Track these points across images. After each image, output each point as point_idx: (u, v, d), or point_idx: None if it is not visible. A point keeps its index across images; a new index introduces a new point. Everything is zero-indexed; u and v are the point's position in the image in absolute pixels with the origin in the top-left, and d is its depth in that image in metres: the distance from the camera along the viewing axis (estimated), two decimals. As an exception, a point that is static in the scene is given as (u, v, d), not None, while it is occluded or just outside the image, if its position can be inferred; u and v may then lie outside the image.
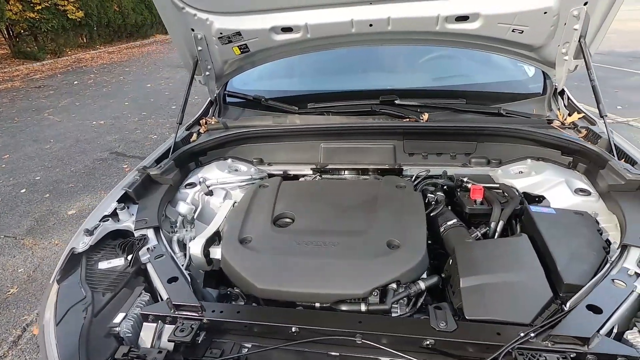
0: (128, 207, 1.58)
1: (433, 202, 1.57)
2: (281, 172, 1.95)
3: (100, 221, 1.46)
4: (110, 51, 16.82)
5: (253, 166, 1.95)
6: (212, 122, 2.20)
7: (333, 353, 1.05)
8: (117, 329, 1.10)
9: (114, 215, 1.51)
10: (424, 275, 1.28)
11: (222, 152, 2.00)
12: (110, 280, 1.27)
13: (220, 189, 1.79)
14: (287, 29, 1.86)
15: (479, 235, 1.39)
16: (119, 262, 1.34)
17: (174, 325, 1.11)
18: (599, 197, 1.48)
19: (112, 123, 6.94)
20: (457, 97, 2.03)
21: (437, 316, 1.06)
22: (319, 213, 1.50)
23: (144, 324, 1.15)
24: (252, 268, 1.27)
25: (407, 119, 1.91)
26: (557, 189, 1.53)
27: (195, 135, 2.12)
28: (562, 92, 2.05)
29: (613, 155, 1.53)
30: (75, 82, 10.61)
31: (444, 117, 1.93)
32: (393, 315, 1.19)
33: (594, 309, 1.02)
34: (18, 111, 7.83)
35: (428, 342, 1.01)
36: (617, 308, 1.03)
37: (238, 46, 2.04)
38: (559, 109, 2.02)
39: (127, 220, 1.51)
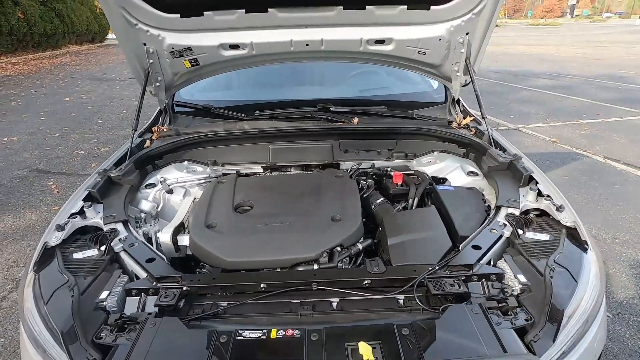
0: (93, 206, 1.69)
1: (365, 187, 1.94)
2: (234, 172, 2.19)
3: (69, 218, 1.57)
4: (14, 62, 15.25)
5: (208, 167, 2.16)
6: (164, 130, 2.36)
7: (294, 300, 1.32)
8: (104, 303, 1.26)
9: (81, 213, 1.62)
10: (361, 240, 1.63)
11: (177, 155, 2.17)
12: (87, 268, 1.40)
13: (179, 188, 1.97)
14: (234, 46, 2.13)
15: (400, 208, 1.79)
16: (92, 252, 1.47)
17: (156, 296, 1.29)
18: (483, 177, 1.98)
19: (29, 139, 6.41)
20: (379, 105, 2.48)
21: (372, 264, 1.39)
22: (274, 200, 1.77)
23: (127, 298, 1.32)
24: (221, 246, 1.50)
25: (341, 123, 2.28)
26: (455, 173, 2.01)
27: (148, 141, 2.26)
28: (458, 101, 2.60)
29: (491, 145, 2.05)
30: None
31: (370, 121, 2.35)
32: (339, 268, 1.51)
33: (476, 248, 1.44)
34: None
35: (366, 282, 1.34)
36: (491, 246, 1.46)
37: (189, 60, 2.24)
38: (457, 114, 2.56)
39: (94, 217, 1.64)
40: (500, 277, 1.34)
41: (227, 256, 1.46)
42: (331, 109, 2.37)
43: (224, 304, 1.32)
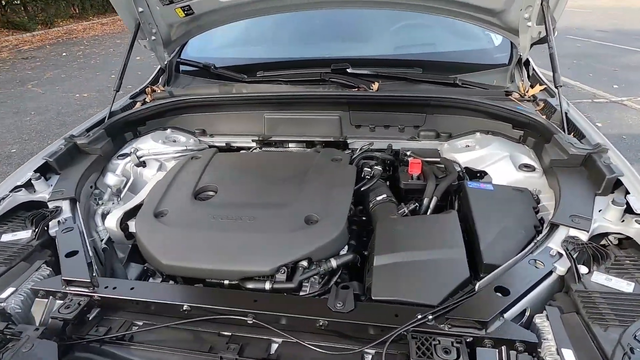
0: (49, 178, 1.50)
1: (369, 177, 1.47)
2: (224, 145, 1.85)
3: (10, 191, 1.38)
4: (103, 22, 16.40)
5: (193, 137, 1.85)
6: (158, 91, 2.09)
7: (225, 333, 0.98)
8: (2, 304, 1.04)
9: (28, 185, 1.43)
10: (344, 252, 1.21)
11: (162, 121, 1.89)
12: (9, 253, 1.20)
13: (154, 160, 1.70)
14: (230, -11, 1.73)
15: (406, 211, 1.30)
16: (25, 234, 1.27)
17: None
18: (543, 174, 1.38)
19: (96, 96, 6.79)
20: (414, 66, 1.90)
21: (338, 296, 0.98)
22: (245, 186, 1.41)
23: (36, 299, 1.09)
24: (160, 243, 1.20)
25: (356, 89, 1.78)
26: (500, 164, 1.44)
27: (139, 104, 2.01)
28: (527, 63, 1.91)
29: (562, 128, 1.42)
30: (64, 54, 10.36)
31: (397, 88, 1.81)
32: (301, 294, 1.12)
33: (502, 291, 0.94)
34: (1, 83, 7.67)
35: (321, 323, 0.94)
36: (530, 289, 0.95)
37: (181, 7, 1.90)
38: (522, 81, 1.89)
39: (43, 191, 1.43)
40: (532, 347, 0.84)
41: (164, 257, 1.16)
42: (348, 70, 1.87)
43: (140, 322, 1.03)
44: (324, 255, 1.14)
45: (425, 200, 1.35)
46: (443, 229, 1.19)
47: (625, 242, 1.08)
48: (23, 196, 1.40)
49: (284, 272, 1.10)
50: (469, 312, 0.90)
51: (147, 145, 1.72)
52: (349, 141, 1.73)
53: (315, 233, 1.17)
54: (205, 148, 1.80)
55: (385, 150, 1.65)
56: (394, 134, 1.73)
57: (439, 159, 1.51)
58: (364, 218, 1.38)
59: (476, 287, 0.99)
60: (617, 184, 1.17)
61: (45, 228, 1.29)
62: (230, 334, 0.98)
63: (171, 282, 1.26)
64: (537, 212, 1.26)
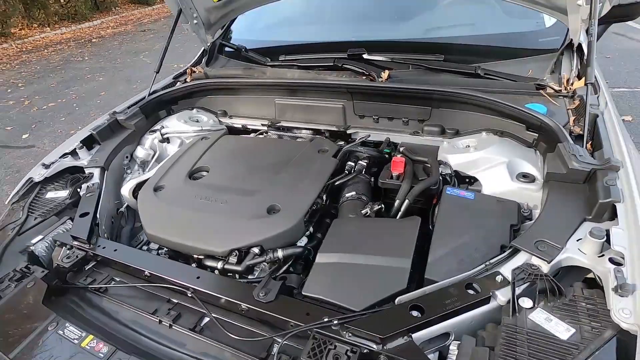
0: (92, 147, 1.80)
1: (350, 171, 1.45)
2: (240, 126, 1.97)
3: (60, 157, 1.71)
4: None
5: (214, 118, 2.01)
6: (197, 72, 2.28)
7: (174, 300, 1.13)
8: (31, 247, 1.35)
9: (74, 153, 1.75)
10: (301, 244, 1.25)
11: (191, 101, 2.09)
12: (49, 208, 1.52)
13: (176, 138, 1.91)
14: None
15: (369, 212, 1.26)
16: (63, 193, 1.59)
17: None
18: (542, 187, 1.20)
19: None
20: (437, 51, 1.74)
21: (266, 285, 1.05)
22: (231, 170, 1.52)
23: (56, 247, 1.38)
24: (149, 214, 1.39)
25: (363, 77, 1.72)
26: (494, 171, 1.28)
27: (179, 84, 2.24)
28: (579, 49, 1.60)
29: (584, 135, 1.20)
30: (180, 23, 11.48)
31: (411, 76, 1.69)
32: (250, 277, 1.21)
33: (418, 309, 0.90)
34: (122, 53, 8.96)
35: (242, 308, 1.02)
36: (452, 314, 0.89)
37: (213, -9, 2.02)
38: (572, 70, 1.60)
39: (84, 159, 1.74)
40: None
41: (148, 227, 1.35)
42: (364, 55, 1.80)
43: (118, 279, 1.24)
44: (274, 245, 1.21)
45: (396, 203, 1.29)
46: (398, 235, 1.15)
47: (590, 283, 0.91)
48: (68, 162, 1.72)
49: (235, 256, 1.20)
50: (374, 324, 0.89)
51: (172, 123, 1.93)
52: (350, 131, 1.70)
53: (270, 222, 1.23)
54: (223, 129, 1.95)
55: (374, 144, 1.58)
56: (397, 126, 1.65)
57: (424, 159, 1.40)
58: (333, 212, 1.39)
59: (396, 301, 0.95)
60: (613, 213, 0.98)
61: (78, 190, 1.59)
62: (176, 302, 1.13)
63: (161, 252, 1.44)
64: (517, 230, 1.12)
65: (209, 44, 2.34)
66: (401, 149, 1.47)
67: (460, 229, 1.11)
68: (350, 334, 0.89)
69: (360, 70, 1.75)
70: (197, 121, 1.98)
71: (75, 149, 1.74)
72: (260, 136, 1.87)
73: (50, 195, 1.59)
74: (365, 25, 2.08)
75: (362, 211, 1.27)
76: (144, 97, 2.03)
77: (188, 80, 2.27)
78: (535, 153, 1.33)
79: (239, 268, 1.18)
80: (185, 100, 2.08)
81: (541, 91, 1.49)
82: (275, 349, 0.93)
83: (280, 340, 0.95)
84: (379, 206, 1.27)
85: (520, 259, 0.96)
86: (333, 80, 1.68)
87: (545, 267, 0.93)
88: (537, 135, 1.34)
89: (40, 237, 1.39)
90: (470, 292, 0.93)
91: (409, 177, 1.31)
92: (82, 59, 8.68)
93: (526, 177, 1.24)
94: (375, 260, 1.08)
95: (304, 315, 0.96)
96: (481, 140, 1.42)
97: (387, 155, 1.54)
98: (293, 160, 1.48)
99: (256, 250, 1.19)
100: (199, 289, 1.08)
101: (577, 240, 0.96)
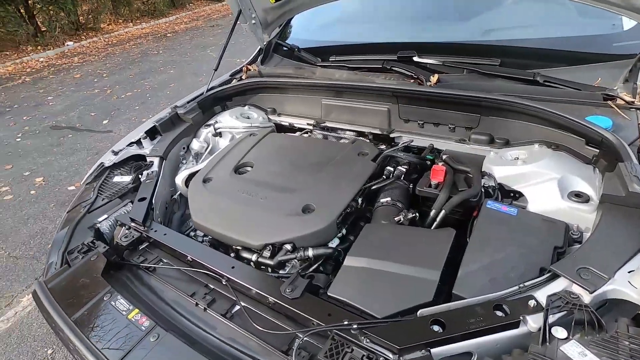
0: (155, 138, 1.98)
1: (388, 176, 1.44)
2: (287, 124, 2.04)
3: (126, 146, 1.90)
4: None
5: (265, 115, 2.10)
6: (252, 70, 2.39)
7: (211, 286, 1.22)
8: (98, 225, 1.53)
9: (139, 142, 1.94)
10: (333, 244, 1.28)
11: (244, 98, 2.19)
12: (114, 191, 1.71)
13: (228, 133, 2.03)
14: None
15: (402, 219, 1.25)
16: (127, 178, 1.77)
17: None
18: (596, 209, 1.10)
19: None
20: (493, 55, 1.65)
21: (293, 282, 1.09)
22: (274, 167, 1.58)
23: (117, 226, 1.55)
24: (197, 204, 1.50)
25: (412, 80, 1.68)
26: (544, 187, 1.20)
27: (235, 81, 2.36)
28: (662, 56, 1.42)
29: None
30: (239, 23, 11.98)
31: (463, 81, 1.62)
32: (281, 272, 1.27)
33: (440, 324, 0.89)
34: (192, 47, 9.56)
35: (269, 301, 1.08)
36: (476, 333, 0.87)
37: (271, -5, 2.09)
38: (649, 81, 1.43)
39: (147, 148, 1.93)
40: None
41: (194, 215, 1.46)
42: (414, 58, 1.76)
43: (165, 261, 1.36)
44: (306, 243, 1.25)
45: (432, 212, 1.26)
46: (430, 245, 1.13)
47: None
48: (134, 150, 1.91)
49: (269, 250, 1.26)
50: (393, 334, 0.90)
51: (225, 119, 2.05)
52: (394, 135, 1.68)
53: (304, 221, 1.27)
54: (270, 126, 2.03)
55: (417, 150, 1.54)
56: (443, 133, 1.60)
57: (467, 169, 1.35)
58: (368, 216, 1.39)
59: (418, 313, 0.95)
60: None
61: (139, 176, 1.76)
62: (212, 287, 1.22)
63: (205, 239, 1.55)
64: (562, 253, 1.05)
65: (265, 43, 2.44)
66: (443, 157, 1.43)
67: (497, 245, 1.06)
68: (368, 340, 0.91)
69: (409, 73, 1.72)
70: (248, 118, 2.08)
71: (140, 138, 1.93)
72: (305, 135, 1.92)
73: (116, 179, 1.78)
74: (417, 26, 2.02)
75: (395, 218, 1.26)
76: (202, 93, 2.18)
77: (243, 77, 2.38)
78: (594, 171, 1.22)
79: (271, 262, 1.24)
80: (238, 97, 2.20)
81: (609, 102, 1.35)
82: (295, 344, 0.97)
83: (301, 336, 0.99)
84: (413, 214, 1.25)
85: (558, 285, 0.90)
86: (378, 84, 1.67)
87: (586, 297, 0.87)
88: (597, 151, 1.23)
89: (105, 216, 1.57)
90: (499, 313, 0.89)
91: (448, 187, 1.28)
92: (157, 52, 9.42)
93: (579, 197, 1.14)
94: (403, 269, 1.08)
95: (325, 315, 0.99)
96: (532, 153, 1.33)
97: (428, 162, 1.50)
98: (333, 162, 1.51)
99: (288, 247, 1.24)
100: (233, 278, 1.16)
101: (629, 272, 0.88)
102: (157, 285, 1.27)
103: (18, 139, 5.35)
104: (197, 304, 1.16)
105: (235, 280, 1.15)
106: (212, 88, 2.22)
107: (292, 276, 1.12)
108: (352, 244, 1.25)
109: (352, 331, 0.93)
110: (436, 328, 0.89)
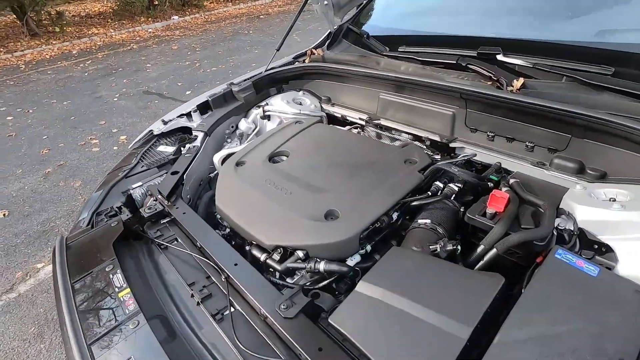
0: (205, 112, 1.95)
1: (435, 193, 1.20)
2: (339, 116, 1.87)
3: (177, 117, 1.90)
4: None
5: (319, 103, 1.95)
6: (316, 54, 2.24)
7: (213, 279, 1.12)
8: (131, 191, 1.53)
9: (189, 115, 1.92)
10: (352, 260, 1.10)
11: (300, 83, 2.06)
12: (156, 159, 1.71)
13: (277, 117, 1.92)
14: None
15: (438, 249, 1.01)
16: (170, 149, 1.77)
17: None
18: None
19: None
20: (604, 62, 1.28)
21: (292, 297, 0.94)
22: (309, 161, 1.43)
23: (147, 196, 1.54)
24: (223, 186, 1.42)
25: (489, 82, 1.39)
26: (645, 246, 0.87)
27: (297, 64, 2.24)
28: None
29: None
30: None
31: (555, 90, 1.29)
32: (288, 280, 1.12)
33: None
34: (280, 30, 9.70)
35: (262, 313, 0.94)
36: None
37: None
38: None
39: (196, 122, 1.90)
40: None
41: (217, 198, 1.38)
42: (498, 56, 1.45)
43: (179, 241, 1.31)
44: (321, 254, 1.08)
45: (479, 248, 1.00)
46: (468, 292, 0.89)
47: None
48: (183, 122, 1.90)
49: (279, 252, 1.12)
50: None
51: (276, 102, 1.94)
52: (455, 145, 1.41)
53: (323, 229, 1.10)
54: (319, 116, 1.87)
55: (481, 166, 1.26)
56: (517, 151, 1.29)
57: (538, 202, 1.04)
58: (403, 234, 1.17)
59: None
60: None
61: (182, 149, 1.75)
62: (213, 281, 1.12)
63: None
64: None
65: (335, 27, 2.27)
66: (511, 181, 1.14)
67: (558, 313, 0.79)
68: None
69: (487, 74, 1.42)
70: (300, 103, 1.95)
71: (190, 111, 1.91)
72: (354, 131, 1.73)
73: (160, 148, 1.78)
74: (506, 19, 1.67)
75: (431, 247, 1.02)
76: (261, 73, 2.10)
77: (306, 61, 2.25)
78: None
79: (278, 267, 1.10)
80: (295, 80, 2.07)
81: None
82: None
83: None
84: (454, 247, 1.00)
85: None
86: (445, 82, 1.40)
87: None
88: None
89: (139, 183, 1.57)
90: None
91: (508, 220, 1.00)
92: (248, 32, 9.78)
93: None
94: (425, 313, 0.86)
95: (315, 349, 0.83)
96: (638, 196, 0.98)
97: (491, 185, 1.22)
98: (374, 165, 1.30)
99: (300, 254, 1.09)
100: (232, 276, 1.04)
101: None
102: (164, 264, 1.21)
103: (115, 99, 5.93)
104: (192, 296, 1.07)
105: (234, 279, 1.03)
106: (271, 68, 2.13)
107: (293, 290, 0.96)
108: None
109: None
110: None
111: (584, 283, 0.84)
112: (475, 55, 1.53)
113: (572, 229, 0.98)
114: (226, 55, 7.79)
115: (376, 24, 2.18)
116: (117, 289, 1.03)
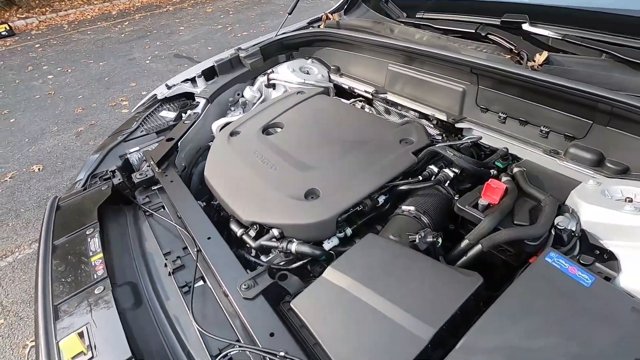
0: (211, 78, 1.90)
1: (426, 178, 1.09)
2: (347, 87, 1.75)
3: (181, 82, 1.86)
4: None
5: (326, 73, 1.83)
6: (332, 19, 2.10)
7: (191, 250, 1.10)
8: (128, 155, 1.54)
9: (193, 80, 1.88)
10: (329, 243, 1.04)
11: (310, 50, 1.94)
12: (157, 124, 1.69)
13: (282, 85, 1.83)
14: None
15: (417, 240, 0.92)
16: (171, 115, 1.74)
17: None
18: None
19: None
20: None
21: (256, 277, 0.91)
22: (302, 134, 1.36)
23: (143, 161, 1.54)
24: (213, 156, 1.38)
25: (509, 56, 1.22)
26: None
27: (311, 29, 2.11)
28: None
29: None
30: None
31: (584, 68, 1.11)
32: (262, 258, 1.09)
33: None
34: None
35: (224, 290, 0.92)
36: None
37: None
38: None
39: (200, 87, 1.86)
40: None
41: (206, 171, 1.35)
42: (524, 26, 1.27)
43: (164, 210, 1.29)
44: (296, 234, 1.03)
45: (463, 243, 0.91)
46: (439, 289, 0.81)
47: None
48: (187, 87, 1.86)
49: (256, 229, 1.08)
50: None
51: (282, 69, 1.85)
52: (461, 125, 1.28)
53: (300, 208, 1.05)
54: (327, 86, 1.77)
55: (489, 151, 1.12)
56: (530, 136, 1.14)
57: (539, 196, 0.91)
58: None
59: None
60: None
61: (182, 115, 1.72)
62: (188, 253, 1.10)
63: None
64: None
65: (354, -12, 2.11)
66: (514, 170, 1.01)
67: (536, 323, 0.70)
68: None
69: (508, 46, 1.25)
70: (307, 73, 1.84)
71: (195, 76, 1.86)
72: (358, 105, 1.61)
73: (162, 113, 1.77)
74: None
75: (410, 237, 0.94)
76: (271, 38, 2.00)
77: (321, 27, 2.12)
78: None
79: (252, 244, 1.06)
80: (305, 47, 1.96)
81: None
82: (221, 355, 0.80)
83: (228, 351, 0.81)
84: (434, 239, 0.91)
85: None
86: (454, 55, 1.24)
87: None
88: None
89: (136, 148, 1.57)
90: None
91: (499, 214, 0.89)
92: (283, -6, 9.46)
93: None
94: (390, 310, 0.79)
95: (267, 335, 0.79)
96: (659, 198, 0.84)
97: (493, 172, 1.09)
98: (368, 143, 1.21)
99: (276, 232, 1.04)
100: (203, 250, 1.02)
101: None
102: (146, 231, 1.21)
103: (147, 61, 6.02)
104: (165, 265, 1.06)
105: (204, 254, 1.01)
106: (282, 34, 2.02)
107: (259, 270, 0.93)
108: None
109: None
110: None
111: (573, 293, 0.73)
112: (499, 23, 1.35)
113: (573, 229, 0.86)
114: (258, 20, 7.62)
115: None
116: (91, 253, 1.04)
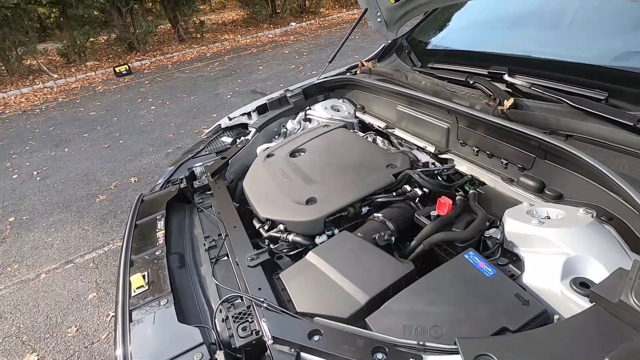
0: (263, 112, 2.39)
1: (399, 194, 1.38)
2: (368, 123, 2.10)
3: (239, 115, 2.38)
4: None
5: (351, 110, 2.21)
6: (366, 66, 2.49)
7: (223, 235, 1.52)
8: (193, 168, 2.05)
9: (249, 114, 2.38)
10: (320, 238, 1.37)
11: (343, 92, 2.34)
12: (218, 147, 2.21)
13: (316, 120, 2.25)
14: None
15: (376, 238, 1.20)
16: (229, 140, 2.25)
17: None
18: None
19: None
20: (600, 86, 1.26)
21: (260, 254, 1.27)
22: (318, 158, 1.72)
23: (204, 173, 2.04)
24: (252, 171, 1.82)
25: (486, 101, 1.47)
26: (547, 260, 0.94)
27: (348, 73, 2.53)
28: None
29: None
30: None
31: (539, 112, 1.32)
32: (271, 245, 1.45)
33: (319, 334, 0.92)
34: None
35: (236, 260, 1.29)
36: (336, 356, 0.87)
37: (390, -5, 2.13)
38: None
39: (254, 120, 2.36)
40: None
41: (245, 181, 1.79)
42: (504, 77, 1.52)
43: (212, 208, 1.74)
44: (295, 229, 1.38)
45: (412, 243, 1.17)
46: (381, 271, 1.09)
47: None
48: (244, 119, 2.38)
49: (269, 224, 1.46)
50: (282, 325, 0.98)
51: (317, 107, 2.27)
52: (445, 156, 1.54)
53: (300, 210, 1.40)
54: (351, 122, 2.13)
55: (422, 180, 1.36)
56: (495, 166, 1.36)
57: (480, 212, 1.14)
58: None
59: (314, 319, 0.98)
60: None
61: (237, 140, 2.21)
62: (221, 237, 1.51)
63: None
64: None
65: (389, 42, 2.49)
66: (470, 191, 1.26)
67: (438, 297, 0.95)
68: (264, 319, 1.02)
69: (488, 92, 1.51)
70: (337, 110, 2.24)
71: (250, 111, 2.38)
72: (369, 137, 1.94)
73: (223, 138, 2.28)
74: (536, 36, 1.66)
75: (373, 235, 1.23)
76: (313, 81, 2.45)
77: (358, 72, 2.52)
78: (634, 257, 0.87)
79: (264, 234, 1.44)
80: (339, 90, 2.37)
81: None
82: (220, 301, 1.16)
83: (229, 300, 1.16)
84: (389, 237, 1.19)
85: (452, 361, 0.78)
86: (436, 99, 1.53)
87: None
88: None
89: (200, 163, 2.08)
90: (378, 355, 0.85)
91: (439, 222, 1.15)
92: (354, 37, 10.22)
93: (584, 287, 0.86)
94: (342, 280, 1.09)
95: (256, 288, 1.14)
96: (569, 217, 1.02)
97: (460, 192, 1.34)
98: (362, 166, 1.54)
99: (281, 227, 1.41)
100: (229, 235, 1.42)
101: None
102: (196, 221, 1.66)
103: (228, 96, 7.00)
104: (204, 244, 1.48)
105: (230, 237, 1.41)
106: (323, 78, 2.47)
107: (262, 250, 1.29)
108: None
109: (260, 307, 1.06)
110: (316, 338, 0.92)
111: (474, 280, 0.97)
112: (487, 73, 1.61)
113: (497, 238, 1.08)
114: (327, 61, 8.35)
115: (428, 39, 2.32)
116: (157, 230, 1.51)
